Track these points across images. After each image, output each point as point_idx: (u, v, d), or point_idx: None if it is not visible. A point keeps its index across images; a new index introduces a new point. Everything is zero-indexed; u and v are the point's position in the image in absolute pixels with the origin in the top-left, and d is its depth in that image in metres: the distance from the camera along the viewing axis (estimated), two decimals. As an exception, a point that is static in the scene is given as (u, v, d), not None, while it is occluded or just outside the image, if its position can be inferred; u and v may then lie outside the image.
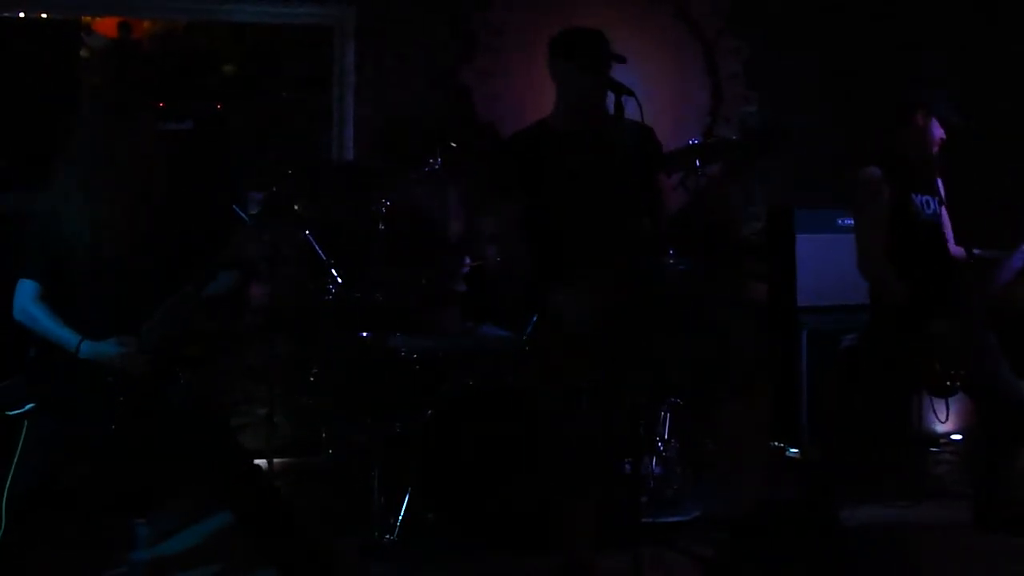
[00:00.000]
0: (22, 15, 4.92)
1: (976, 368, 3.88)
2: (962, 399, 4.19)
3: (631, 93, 3.17)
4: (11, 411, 3.03)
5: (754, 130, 5.42)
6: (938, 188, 4.13)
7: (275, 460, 4.46)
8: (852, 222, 4.18)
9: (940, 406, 4.06)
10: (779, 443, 5.06)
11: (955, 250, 4.14)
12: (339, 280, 4.32)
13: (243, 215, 4.04)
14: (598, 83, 3.33)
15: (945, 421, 4.11)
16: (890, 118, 4.13)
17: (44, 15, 5.02)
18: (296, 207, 4.16)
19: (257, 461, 3.33)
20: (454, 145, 4.37)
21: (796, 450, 5.02)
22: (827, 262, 5.00)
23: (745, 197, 5.81)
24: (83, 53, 5.43)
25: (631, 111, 3.20)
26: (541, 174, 3.41)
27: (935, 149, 4.05)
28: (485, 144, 5.09)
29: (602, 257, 3.34)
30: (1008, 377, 3.94)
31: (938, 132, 4.03)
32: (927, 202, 4.04)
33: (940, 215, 4.09)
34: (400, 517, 3.79)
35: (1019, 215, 4.10)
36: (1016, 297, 4.44)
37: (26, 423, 3.02)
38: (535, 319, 3.65)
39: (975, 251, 4.14)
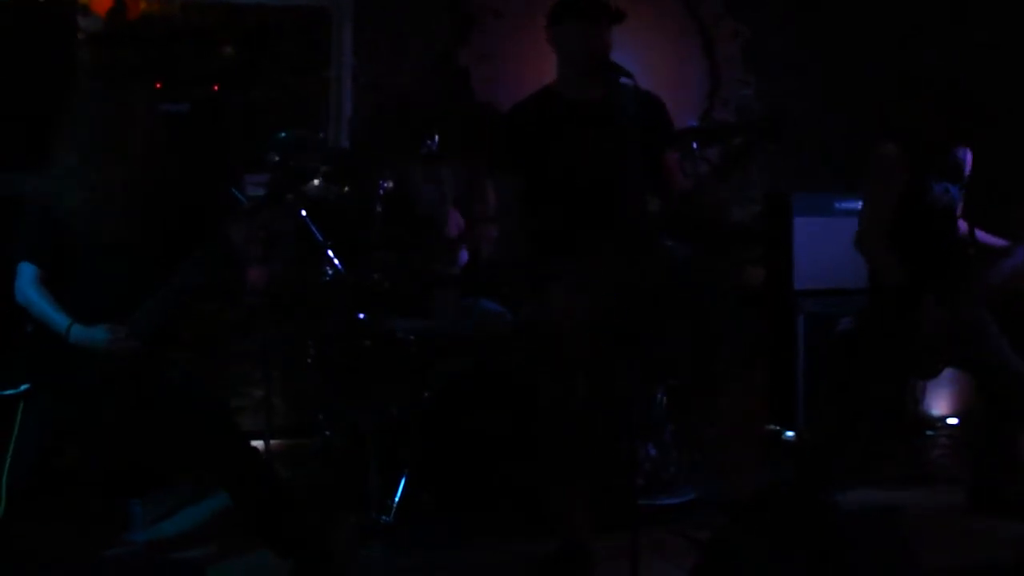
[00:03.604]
0: (17, -5, 4.90)
1: (979, 348, 3.84)
2: (958, 383, 4.19)
3: (629, 75, 3.15)
4: (7, 391, 3.03)
5: (753, 123, 5.39)
6: (962, 166, 3.90)
7: (272, 442, 4.46)
8: (851, 205, 4.14)
9: (931, 390, 4.06)
10: (776, 426, 5.08)
11: (961, 226, 3.99)
12: (336, 262, 4.31)
13: (241, 197, 4.03)
14: (593, 33, 3.30)
15: (929, 407, 4.11)
16: (902, 89, 3.89)
17: (40, -5, 4.99)
18: (293, 190, 4.15)
19: (254, 443, 3.33)
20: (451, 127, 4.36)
21: (792, 433, 5.03)
22: (825, 246, 4.99)
23: (744, 182, 5.80)
24: (79, 34, 5.40)
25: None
26: (547, 142, 3.37)
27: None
28: (483, 125, 5.08)
29: (604, 233, 3.31)
30: (1012, 354, 3.87)
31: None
32: (946, 189, 3.84)
33: (956, 201, 3.89)
34: (397, 499, 3.80)
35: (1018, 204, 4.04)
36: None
37: (22, 403, 3.02)
38: (532, 302, 3.64)
39: (978, 233, 3.97)
